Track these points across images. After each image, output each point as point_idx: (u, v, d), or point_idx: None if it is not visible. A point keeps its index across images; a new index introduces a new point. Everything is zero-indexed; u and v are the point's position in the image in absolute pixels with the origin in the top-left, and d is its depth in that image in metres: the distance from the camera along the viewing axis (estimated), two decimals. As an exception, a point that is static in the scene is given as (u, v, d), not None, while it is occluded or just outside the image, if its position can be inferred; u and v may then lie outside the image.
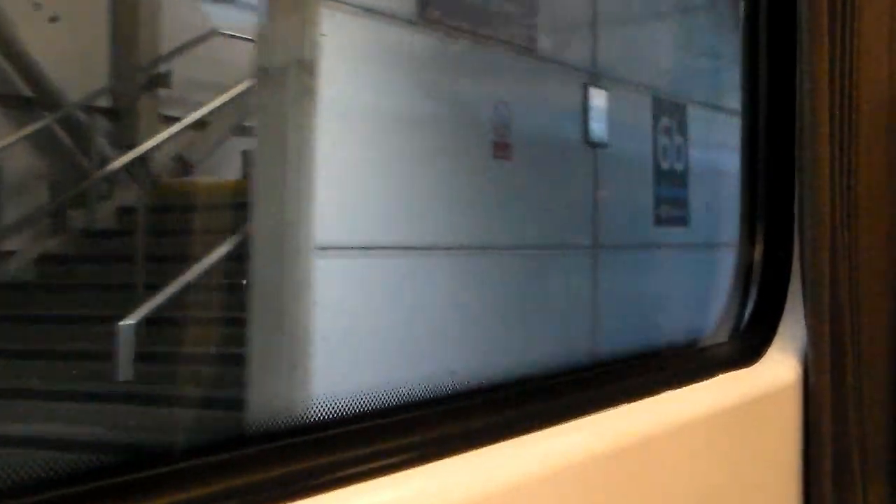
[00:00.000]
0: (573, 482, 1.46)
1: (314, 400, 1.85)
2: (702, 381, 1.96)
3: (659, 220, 5.36)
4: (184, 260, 4.68)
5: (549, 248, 4.63)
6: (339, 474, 1.22)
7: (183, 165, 6.24)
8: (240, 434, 1.30)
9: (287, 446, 1.24)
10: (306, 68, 3.35)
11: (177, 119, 5.92)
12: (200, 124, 6.12)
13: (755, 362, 2.09)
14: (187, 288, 4.50)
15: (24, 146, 5.57)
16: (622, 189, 5.17)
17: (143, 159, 5.66)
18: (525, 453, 1.42)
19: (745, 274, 2.18)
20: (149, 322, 4.31)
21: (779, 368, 2.07)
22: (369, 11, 3.59)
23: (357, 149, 3.55)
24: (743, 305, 2.16)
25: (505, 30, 4.32)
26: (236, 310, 3.66)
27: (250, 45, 4.56)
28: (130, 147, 5.77)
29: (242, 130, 6.00)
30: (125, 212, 5.84)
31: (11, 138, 5.42)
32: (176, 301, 4.36)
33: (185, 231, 5.17)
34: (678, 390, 1.87)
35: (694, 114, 5.60)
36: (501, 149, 4.26)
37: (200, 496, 1.13)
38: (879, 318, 2.06)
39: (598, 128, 4.93)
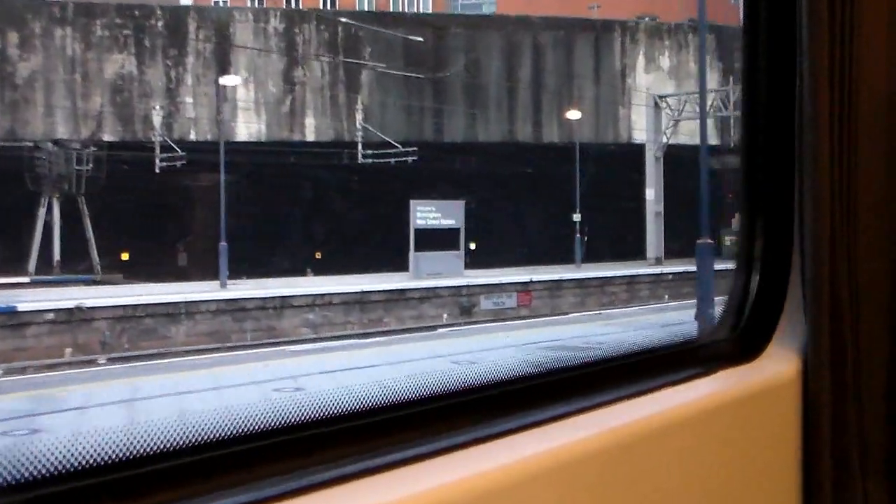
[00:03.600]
0: (577, 476, 1.63)
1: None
2: (703, 377, 2.12)
3: None
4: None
5: None
6: (341, 471, 1.37)
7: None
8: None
9: (286, 443, 1.38)
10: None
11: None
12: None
13: (755, 358, 2.24)
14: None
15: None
16: None
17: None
18: (528, 448, 1.59)
19: (745, 270, 2.32)
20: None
21: (779, 364, 2.22)
22: None
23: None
24: (743, 301, 2.31)
25: None
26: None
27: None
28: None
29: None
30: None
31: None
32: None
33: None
34: (679, 386, 2.04)
35: None
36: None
37: (201, 491, 1.27)
38: (879, 315, 2.21)
39: None
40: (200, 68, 36.90)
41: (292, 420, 1.41)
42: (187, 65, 36.95)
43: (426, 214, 30.78)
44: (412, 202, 30.45)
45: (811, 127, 2.14)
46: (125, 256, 40.44)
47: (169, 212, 37.59)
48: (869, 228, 2.19)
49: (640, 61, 41.81)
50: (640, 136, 40.21)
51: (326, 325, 24.53)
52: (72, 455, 1.20)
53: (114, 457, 1.21)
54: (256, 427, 1.37)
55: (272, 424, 1.39)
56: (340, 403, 1.48)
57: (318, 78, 38.35)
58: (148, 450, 1.25)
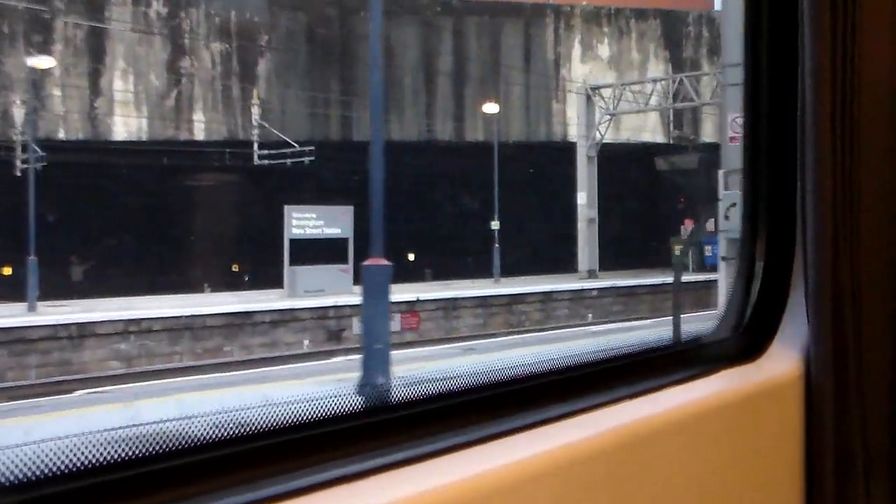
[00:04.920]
0: (578, 476, 1.67)
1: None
2: (705, 376, 2.17)
3: None
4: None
5: None
6: (343, 471, 1.38)
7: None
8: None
9: (286, 443, 1.40)
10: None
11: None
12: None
13: (758, 358, 2.29)
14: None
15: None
16: None
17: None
18: (530, 448, 1.62)
19: (747, 269, 2.39)
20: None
21: (781, 364, 2.28)
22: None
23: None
24: (745, 301, 2.38)
25: None
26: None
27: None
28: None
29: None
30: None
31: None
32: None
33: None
34: (681, 386, 2.09)
35: None
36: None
37: (200, 492, 1.27)
38: (882, 314, 2.28)
39: None
40: (71, 57, 32.88)
41: (293, 420, 1.44)
42: (55, 53, 32.92)
43: (305, 222, 26.81)
44: (286, 208, 26.58)
45: (813, 126, 2.21)
46: (7, 272, 36.52)
47: (50, 220, 33.56)
48: (872, 227, 2.26)
49: (576, 49, 37.78)
50: (576, 132, 36.23)
51: (144, 358, 20.37)
52: (70, 455, 1.23)
53: (113, 457, 1.24)
54: (257, 427, 1.39)
55: (273, 424, 1.41)
56: (341, 404, 1.50)
57: (208, 69, 34.32)
58: (148, 450, 1.28)
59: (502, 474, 1.51)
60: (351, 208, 28.92)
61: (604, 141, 35.76)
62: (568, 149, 37.43)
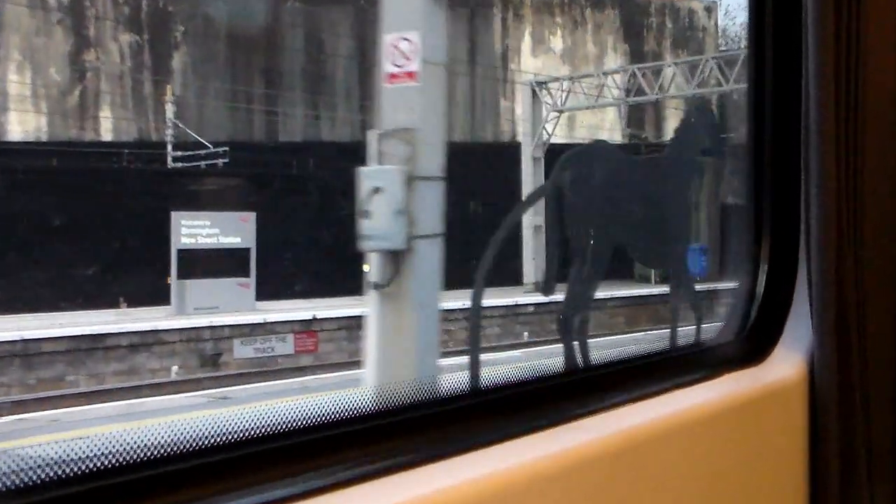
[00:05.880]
0: (585, 478, 1.72)
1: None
2: (709, 380, 2.22)
3: None
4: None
5: None
6: (348, 474, 1.40)
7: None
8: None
9: (293, 446, 1.43)
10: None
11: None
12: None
13: (762, 361, 2.34)
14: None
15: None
16: None
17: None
18: (534, 451, 1.67)
19: (751, 273, 2.46)
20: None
21: (785, 368, 2.33)
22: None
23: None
24: (749, 305, 2.44)
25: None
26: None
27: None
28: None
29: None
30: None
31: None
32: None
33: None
34: (686, 389, 2.13)
35: None
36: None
37: (202, 494, 1.28)
38: (885, 318, 2.36)
39: None
40: (-40, 49, 30.22)
41: (300, 423, 1.47)
42: (-59, 43, 30.27)
43: (197, 231, 23.68)
44: (173, 214, 23.45)
45: (817, 133, 2.26)
46: None
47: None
48: (876, 229, 2.32)
49: (527, 42, 34.70)
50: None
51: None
52: (78, 457, 1.25)
53: (120, 459, 1.27)
54: (263, 430, 1.43)
55: (279, 428, 1.45)
56: (347, 406, 1.54)
57: (116, 63, 31.40)
58: (154, 452, 1.30)
59: (506, 477, 1.54)
60: (253, 214, 26.17)
61: (558, 141, 33.06)
62: (516, 150, 34.57)
